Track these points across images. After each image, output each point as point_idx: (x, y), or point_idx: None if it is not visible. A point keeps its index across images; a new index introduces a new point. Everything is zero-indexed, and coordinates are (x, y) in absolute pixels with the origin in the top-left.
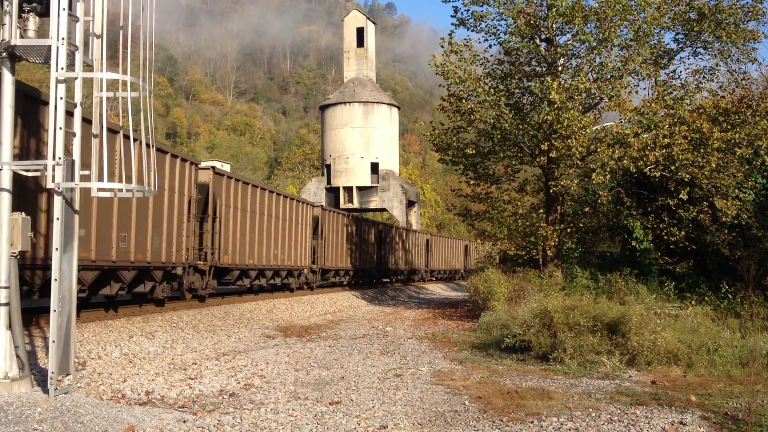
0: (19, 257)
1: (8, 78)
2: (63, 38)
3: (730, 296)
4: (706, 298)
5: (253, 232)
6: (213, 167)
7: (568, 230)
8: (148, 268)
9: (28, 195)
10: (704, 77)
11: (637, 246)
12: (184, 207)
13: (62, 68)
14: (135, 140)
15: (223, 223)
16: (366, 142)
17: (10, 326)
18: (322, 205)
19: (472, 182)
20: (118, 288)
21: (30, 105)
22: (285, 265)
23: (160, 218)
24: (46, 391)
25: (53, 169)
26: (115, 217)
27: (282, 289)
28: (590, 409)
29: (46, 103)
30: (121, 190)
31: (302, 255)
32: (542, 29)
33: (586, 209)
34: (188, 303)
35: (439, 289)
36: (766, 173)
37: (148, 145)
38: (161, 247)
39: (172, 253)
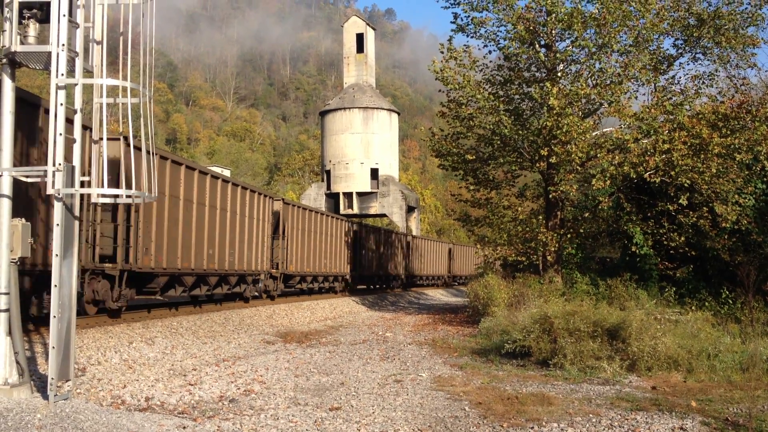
0: (18, 263)
1: (8, 84)
2: (63, 44)
3: (731, 302)
4: (707, 304)
5: (310, 246)
6: (282, 199)
7: (568, 236)
8: (244, 275)
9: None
10: (704, 83)
11: (637, 251)
12: (265, 229)
13: (62, 74)
14: (137, 148)
15: (289, 240)
16: (366, 147)
17: (9, 332)
18: (360, 223)
19: (471, 188)
20: (227, 288)
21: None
22: (332, 272)
23: (251, 238)
24: (45, 397)
25: (53, 175)
26: (227, 238)
27: (329, 292)
28: (591, 415)
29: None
30: (120, 196)
31: (343, 263)
32: (541, 35)
33: (586, 215)
34: (190, 309)
35: (438, 295)
36: (765, 178)
37: (148, 152)
38: (251, 259)
39: (258, 264)
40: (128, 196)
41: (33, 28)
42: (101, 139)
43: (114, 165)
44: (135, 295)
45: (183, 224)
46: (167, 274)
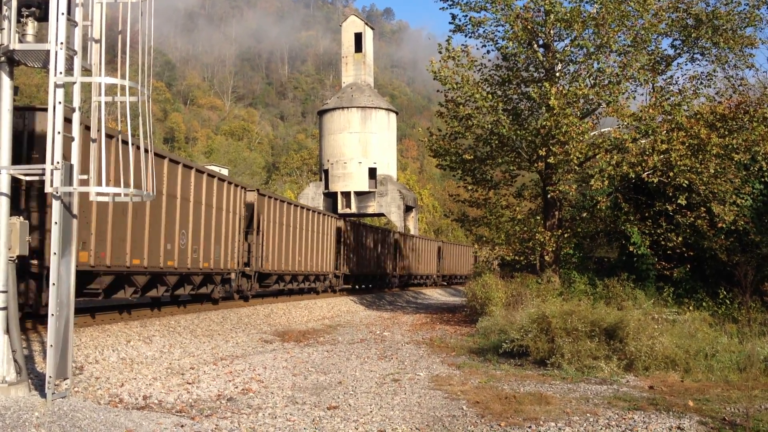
0: (17, 261)
1: (7, 83)
2: (62, 43)
3: (728, 301)
4: (704, 304)
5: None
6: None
7: (566, 235)
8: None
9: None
10: (702, 83)
11: (635, 251)
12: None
13: (61, 73)
14: (134, 145)
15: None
16: (364, 147)
17: (8, 330)
18: (400, 232)
19: (470, 187)
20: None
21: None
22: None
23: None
24: (43, 395)
25: (51, 174)
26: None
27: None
28: (588, 414)
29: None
30: (119, 195)
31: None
32: (540, 35)
33: (584, 215)
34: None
35: (436, 294)
36: (763, 179)
37: (146, 150)
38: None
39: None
40: (126, 195)
41: (31, 26)
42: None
43: None
44: None
45: None
46: None
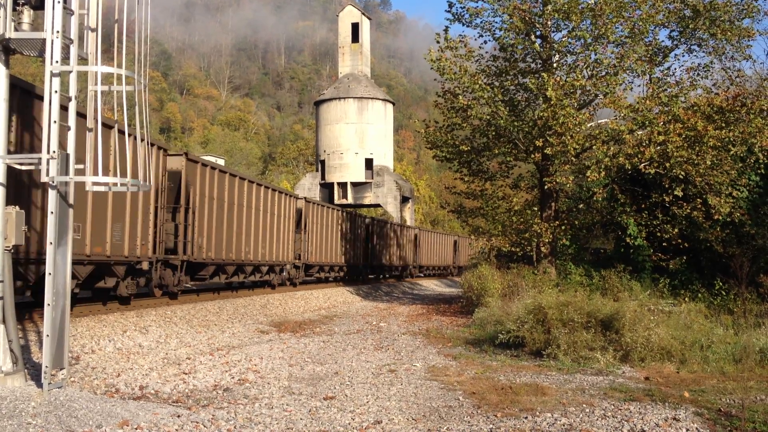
0: (13, 251)
1: (2, 71)
2: (58, 31)
3: (724, 293)
4: (700, 295)
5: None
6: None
7: (563, 227)
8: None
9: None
10: (699, 74)
11: (631, 243)
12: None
13: (57, 61)
14: (131, 135)
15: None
16: (360, 137)
17: (3, 320)
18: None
19: (466, 179)
20: None
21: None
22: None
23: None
24: (39, 385)
25: (48, 163)
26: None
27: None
28: (584, 405)
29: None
30: (115, 185)
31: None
32: (537, 26)
33: (581, 206)
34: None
35: (432, 285)
36: (759, 171)
37: (143, 141)
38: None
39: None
40: (123, 185)
41: (27, 14)
42: (96, 125)
43: None
44: None
45: None
46: None
